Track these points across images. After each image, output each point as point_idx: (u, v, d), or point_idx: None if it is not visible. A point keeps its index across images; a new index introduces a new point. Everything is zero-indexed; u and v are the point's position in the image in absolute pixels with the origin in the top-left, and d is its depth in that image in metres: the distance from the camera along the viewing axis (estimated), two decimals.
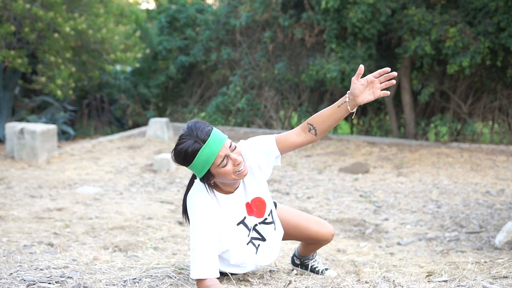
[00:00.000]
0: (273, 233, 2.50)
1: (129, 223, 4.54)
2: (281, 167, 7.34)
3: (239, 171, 2.25)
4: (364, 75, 8.85)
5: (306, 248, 2.88)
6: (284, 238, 2.71)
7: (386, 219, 5.07)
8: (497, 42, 8.32)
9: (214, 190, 2.33)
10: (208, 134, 2.20)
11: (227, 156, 2.22)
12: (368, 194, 5.97)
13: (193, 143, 2.19)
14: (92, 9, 9.93)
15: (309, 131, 2.44)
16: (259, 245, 2.46)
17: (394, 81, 2.34)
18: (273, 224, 2.49)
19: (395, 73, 2.32)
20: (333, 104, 2.41)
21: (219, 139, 2.21)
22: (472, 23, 8.67)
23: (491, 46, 8.32)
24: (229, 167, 2.23)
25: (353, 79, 2.33)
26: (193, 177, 2.44)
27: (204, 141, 2.19)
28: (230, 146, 2.24)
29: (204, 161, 2.20)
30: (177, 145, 2.23)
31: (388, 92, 2.36)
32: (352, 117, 2.59)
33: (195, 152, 2.19)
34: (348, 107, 2.36)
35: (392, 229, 4.76)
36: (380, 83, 2.34)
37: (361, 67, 2.29)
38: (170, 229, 4.46)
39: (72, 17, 9.47)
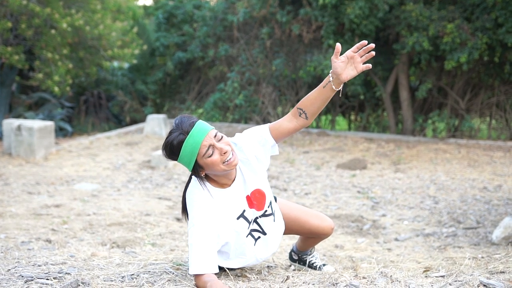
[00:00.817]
0: (273, 225, 2.49)
1: (127, 220, 4.54)
2: (279, 163, 7.35)
3: (227, 161, 2.24)
4: (362, 72, 8.84)
5: (304, 243, 2.88)
6: (285, 233, 2.71)
7: (384, 215, 5.08)
8: (494, 38, 8.33)
9: (209, 184, 2.32)
10: (191, 126, 2.21)
11: (212, 146, 2.21)
12: (365, 190, 5.97)
13: (177, 135, 2.21)
14: (89, 5, 9.90)
15: (299, 115, 2.45)
16: (258, 237, 2.46)
17: (373, 53, 2.34)
18: (272, 216, 2.49)
19: (373, 45, 2.33)
20: (319, 86, 2.41)
21: (202, 129, 2.21)
22: (470, 19, 8.67)
23: (489, 42, 8.33)
24: (216, 156, 2.22)
25: (332, 58, 2.33)
26: (192, 174, 2.44)
27: (187, 132, 2.20)
28: (216, 136, 2.23)
29: (189, 152, 2.21)
30: (165, 139, 2.26)
31: (370, 65, 2.37)
32: (339, 95, 2.61)
33: (180, 144, 2.20)
34: (333, 86, 2.36)
35: (390, 225, 4.77)
36: (360, 57, 2.34)
37: (338, 45, 2.29)
38: (168, 225, 4.46)
39: (69, 13, 9.45)
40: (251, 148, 2.41)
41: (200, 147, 2.19)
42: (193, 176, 2.38)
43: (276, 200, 2.65)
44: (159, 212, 4.90)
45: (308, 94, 2.45)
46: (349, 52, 2.32)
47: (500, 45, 8.50)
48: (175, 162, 7.04)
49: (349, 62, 2.34)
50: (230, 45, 11.27)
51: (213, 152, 2.21)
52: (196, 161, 2.24)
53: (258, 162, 2.44)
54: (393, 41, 9.59)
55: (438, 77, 9.76)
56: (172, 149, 2.23)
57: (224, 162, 2.24)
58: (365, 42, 2.33)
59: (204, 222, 2.22)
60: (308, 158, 7.69)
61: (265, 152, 2.45)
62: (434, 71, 9.67)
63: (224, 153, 2.22)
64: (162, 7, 12.32)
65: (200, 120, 2.26)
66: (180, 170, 6.75)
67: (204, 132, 2.21)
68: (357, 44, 2.33)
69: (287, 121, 2.48)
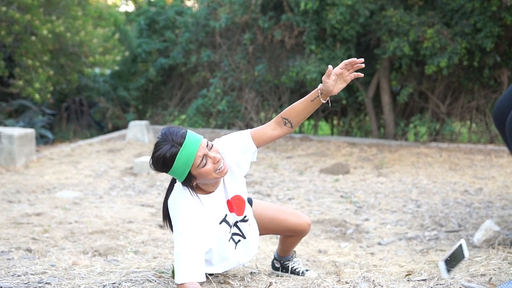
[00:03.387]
0: (250, 229, 2.51)
1: (109, 227, 4.50)
2: (262, 169, 7.35)
3: (219, 169, 2.25)
4: None
5: (284, 244, 2.88)
6: (263, 233, 2.72)
7: (367, 219, 5.10)
8: (473, 43, 8.42)
9: (194, 192, 2.32)
10: (183, 137, 2.20)
11: (205, 155, 2.22)
12: (348, 194, 5.99)
13: (170, 148, 2.18)
14: (70, 12, 9.85)
15: (284, 124, 2.48)
16: (239, 240, 2.47)
17: (363, 65, 2.41)
18: (249, 221, 2.51)
19: (362, 60, 2.40)
20: (306, 98, 2.45)
21: (195, 140, 2.21)
22: (449, 24, 8.77)
23: (468, 46, 8.42)
24: (209, 166, 2.22)
25: (324, 78, 2.37)
26: (173, 181, 2.43)
27: (180, 144, 2.19)
28: (207, 145, 2.24)
29: (183, 164, 2.19)
30: (154, 152, 2.22)
31: (361, 74, 2.43)
32: (329, 105, 2.68)
33: (173, 156, 2.18)
34: (322, 100, 2.42)
35: (373, 229, 4.79)
36: (348, 70, 2.42)
37: (330, 68, 2.34)
38: (150, 233, 4.43)
39: (50, 20, 9.39)
40: (232, 154, 2.41)
41: (195, 158, 2.19)
42: (176, 184, 2.37)
43: (252, 202, 2.66)
44: (142, 219, 4.87)
45: (294, 105, 2.47)
46: (338, 70, 2.39)
47: (479, 49, 8.60)
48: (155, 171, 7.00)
49: (338, 77, 2.40)
50: (213, 51, 11.26)
51: (206, 161, 2.22)
52: (189, 172, 2.23)
53: (238, 168, 2.44)
54: (374, 46, 9.65)
55: (419, 81, 9.85)
56: (164, 162, 2.21)
57: (216, 171, 2.24)
58: (355, 60, 2.37)
59: (191, 230, 2.21)
60: (291, 163, 7.70)
61: (246, 158, 2.46)
62: (415, 76, 9.75)
63: (217, 162, 2.23)
64: (144, 13, 12.28)
65: (189, 130, 2.25)
66: (163, 176, 6.72)
67: (197, 143, 2.21)
68: (346, 61, 2.38)
69: (271, 129, 2.49)
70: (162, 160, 2.20)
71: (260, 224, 2.64)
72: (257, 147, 2.47)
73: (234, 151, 2.42)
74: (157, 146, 2.22)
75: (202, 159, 2.21)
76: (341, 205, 5.59)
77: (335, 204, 5.61)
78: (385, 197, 5.89)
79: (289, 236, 2.82)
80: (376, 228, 4.82)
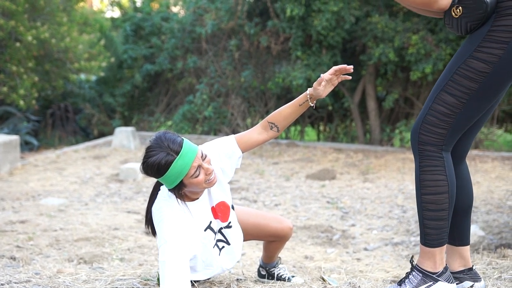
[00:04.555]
0: (234, 235, 2.51)
1: (94, 234, 4.48)
2: (248, 175, 7.34)
3: (209, 180, 2.26)
4: None
5: (268, 250, 2.88)
6: (246, 239, 2.72)
7: (353, 225, 5.12)
8: (457, 49, 8.49)
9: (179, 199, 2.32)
10: (180, 145, 2.20)
11: (199, 166, 2.22)
12: (335, 200, 6.01)
13: (166, 155, 2.18)
14: (55, 18, 9.78)
15: (271, 129, 2.50)
16: (223, 247, 2.47)
17: (351, 70, 2.46)
18: (233, 227, 2.51)
19: (351, 67, 2.45)
20: (294, 103, 2.48)
21: (191, 150, 2.21)
22: (434, 30, 8.84)
23: (452, 53, 8.49)
24: (201, 176, 2.23)
25: (315, 85, 2.41)
26: (156, 187, 2.42)
27: (177, 153, 2.18)
28: (202, 156, 2.24)
29: (177, 173, 2.19)
30: (148, 157, 2.21)
31: (349, 77, 2.49)
32: (313, 108, 2.72)
33: (168, 164, 2.18)
34: (310, 104, 2.47)
35: (359, 235, 4.80)
36: (337, 76, 2.48)
37: (322, 76, 2.38)
38: (136, 240, 4.41)
39: (34, 26, 9.33)
40: (218, 161, 2.42)
41: (190, 168, 2.19)
42: (160, 191, 2.36)
43: (233, 209, 2.66)
44: (128, 226, 4.85)
45: (281, 110, 2.49)
46: (327, 76, 2.44)
47: None
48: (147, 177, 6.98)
49: (327, 83, 2.47)
50: (199, 57, 11.26)
51: (199, 172, 2.22)
52: (181, 180, 2.23)
53: (223, 174, 2.44)
54: (360, 53, 9.70)
55: (404, 87, 9.91)
56: (159, 169, 2.20)
57: (206, 181, 2.25)
58: (345, 66, 2.41)
59: (177, 238, 2.20)
60: (277, 169, 7.71)
61: (231, 164, 2.46)
62: (400, 82, 9.81)
63: (209, 173, 2.24)
64: (129, 19, 12.24)
65: (185, 139, 2.25)
66: (149, 183, 6.69)
67: (193, 153, 2.21)
68: (336, 68, 2.43)
69: (257, 134, 2.50)
70: (157, 167, 2.19)
71: (243, 230, 2.64)
72: (243, 152, 2.48)
73: (219, 157, 2.43)
74: (151, 151, 2.21)
75: (196, 170, 2.21)
76: (327, 210, 5.60)
77: (322, 210, 5.62)
78: (371, 203, 5.91)
79: (272, 242, 2.82)
80: (362, 234, 4.84)
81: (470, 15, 2.10)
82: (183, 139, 2.23)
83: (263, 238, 2.79)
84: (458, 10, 2.13)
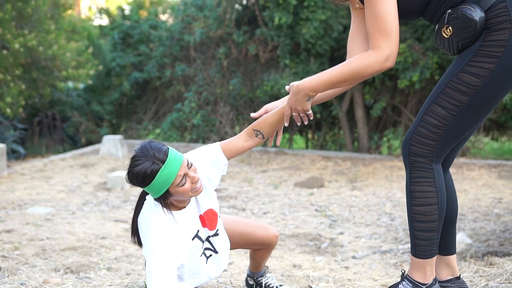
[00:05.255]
0: (221, 243, 2.50)
1: (81, 244, 4.44)
2: (237, 183, 7.33)
3: (195, 188, 2.25)
4: None
5: (254, 259, 2.87)
6: (232, 247, 2.70)
7: (341, 233, 5.12)
8: (444, 58, 8.56)
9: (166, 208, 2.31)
10: (166, 154, 2.19)
11: (185, 175, 2.21)
12: (323, 208, 6.01)
13: (151, 164, 2.16)
14: (42, 26, 9.75)
15: (256, 136, 2.49)
16: (210, 255, 2.46)
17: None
18: (220, 234, 2.50)
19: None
20: (279, 111, 2.45)
21: (177, 159, 2.20)
22: (421, 39, 8.90)
23: (439, 61, 8.56)
24: (188, 185, 2.22)
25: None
26: (142, 196, 2.40)
27: (163, 162, 2.17)
28: (188, 164, 2.23)
29: (163, 182, 2.18)
30: (133, 166, 2.19)
31: None
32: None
33: (154, 173, 2.17)
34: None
35: (347, 243, 4.80)
36: None
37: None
38: (124, 249, 4.38)
39: (22, 33, 9.28)
40: (203, 168, 2.41)
41: (175, 177, 2.18)
42: (146, 201, 2.35)
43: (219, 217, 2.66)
44: (115, 235, 4.82)
45: (266, 117, 2.48)
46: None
47: (450, 64, 8.73)
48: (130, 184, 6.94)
49: None
50: (187, 65, 11.25)
51: (185, 181, 2.21)
52: (167, 189, 2.22)
53: (209, 182, 2.44)
54: None
55: (392, 95, 9.96)
56: (144, 179, 2.18)
57: (192, 190, 2.24)
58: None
59: (164, 248, 2.19)
60: (266, 177, 7.70)
61: (217, 171, 2.46)
62: (388, 90, 9.86)
63: (195, 182, 2.23)
64: (118, 27, 12.23)
65: (171, 148, 2.24)
66: (137, 191, 6.66)
67: (179, 162, 2.19)
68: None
69: (242, 141, 2.50)
70: (142, 176, 2.18)
71: (229, 238, 2.63)
72: (228, 159, 2.48)
73: (205, 165, 2.42)
74: (136, 160, 2.19)
75: (182, 178, 2.20)
76: (315, 219, 5.60)
77: (310, 218, 5.62)
78: (359, 211, 5.92)
79: (258, 250, 2.81)
80: (351, 242, 4.84)
81: (460, 34, 2.12)
82: (168, 148, 2.22)
83: (249, 246, 2.78)
84: (448, 30, 2.15)
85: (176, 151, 2.25)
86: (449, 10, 2.15)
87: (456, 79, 2.14)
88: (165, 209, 2.28)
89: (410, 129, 2.26)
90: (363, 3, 2.36)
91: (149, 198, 2.34)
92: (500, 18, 2.06)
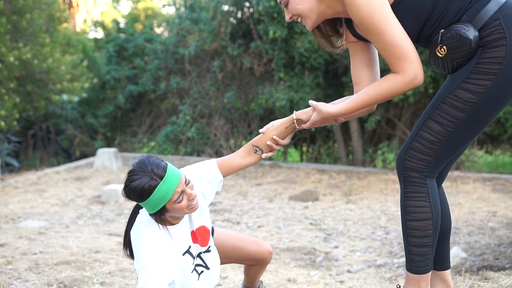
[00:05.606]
0: (213, 259, 2.49)
1: (75, 258, 4.42)
2: (231, 196, 7.32)
3: (192, 205, 2.25)
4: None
5: (249, 275, 2.86)
6: (224, 262, 2.69)
7: (336, 247, 5.11)
8: (438, 72, 8.60)
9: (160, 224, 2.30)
10: (164, 170, 2.18)
11: (183, 192, 2.20)
12: (318, 222, 6.00)
13: (149, 180, 2.15)
14: (37, 39, 9.75)
15: (255, 152, 2.49)
16: (202, 271, 2.45)
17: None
18: (212, 251, 2.50)
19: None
20: (280, 126, 2.46)
21: (175, 175, 2.19)
22: None
23: (433, 75, 8.60)
24: (184, 202, 2.21)
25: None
26: (136, 211, 2.40)
27: (161, 178, 2.16)
28: (185, 181, 2.23)
29: (160, 198, 2.17)
30: (130, 181, 2.18)
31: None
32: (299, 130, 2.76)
33: (152, 189, 2.16)
34: (297, 126, 2.46)
35: (342, 257, 4.79)
36: None
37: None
38: (118, 263, 4.36)
39: (17, 46, 9.28)
40: (198, 185, 2.41)
41: (173, 193, 2.17)
42: (139, 215, 2.34)
43: (213, 231, 2.64)
44: (109, 249, 4.79)
45: (267, 133, 2.49)
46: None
47: (444, 78, 8.78)
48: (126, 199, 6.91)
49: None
50: (182, 78, 11.27)
51: (183, 198, 2.20)
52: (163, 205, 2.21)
53: (203, 198, 2.43)
54: (342, 74, 9.79)
55: (386, 109, 9.99)
56: (142, 194, 2.17)
57: (188, 207, 2.24)
58: None
59: (156, 263, 2.18)
60: (260, 191, 7.69)
61: (211, 188, 2.45)
62: (382, 103, 9.89)
63: (192, 199, 2.22)
64: (113, 40, 12.26)
65: (169, 164, 2.23)
66: (131, 205, 6.63)
67: (177, 178, 2.19)
68: None
69: (240, 158, 2.50)
70: (140, 192, 2.17)
71: (222, 253, 2.61)
72: (224, 176, 2.47)
73: (200, 181, 2.42)
74: (134, 175, 2.18)
75: (180, 195, 2.20)
76: (310, 232, 5.59)
77: (305, 232, 5.61)
78: (354, 224, 5.91)
79: (252, 265, 2.80)
80: (346, 256, 4.83)
81: (455, 53, 2.13)
82: (167, 164, 2.22)
83: (242, 261, 2.77)
84: (442, 49, 2.17)
85: (174, 167, 2.25)
86: (443, 30, 2.16)
87: (452, 96, 2.15)
88: (160, 225, 2.27)
89: (405, 144, 2.27)
90: (357, 37, 2.38)
91: (143, 212, 2.33)
92: (495, 36, 2.08)
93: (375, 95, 2.22)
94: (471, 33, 2.09)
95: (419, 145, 2.21)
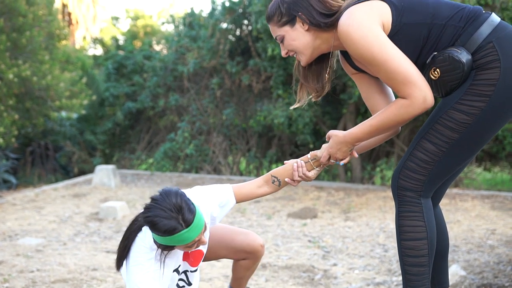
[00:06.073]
0: (196, 277, 2.49)
1: (72, 275, 4.39)
2: (230, 213, 7.30)
3: (198, 247, 2.27)
4: (311, 121, 9.01)
5: (236, 271, 2.76)
6: (211, 257, 2.65)
7: (335, 264, 5.09)
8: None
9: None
10: (193, 218, 2.16)
11: (199, 240, 2.21)
12: (316, 239, 5.98)
13: (175, 224, 2.13)
14: (37, 56, 9.79)
15: (272, 182, 2.50)
16: (183, 286, 2.45)
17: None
18: (197, 270, 2.51)
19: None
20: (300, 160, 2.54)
21: (200, 225, 2.19)
22: None
23: None
24: (195, 246, 2.23)
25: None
26: (137, 229, 2.39)
27: (187, 225, 2.15)
28: (204, 228, 2.24)
29: (177, 241, 2.18)
30: (157, 215, 2.14)
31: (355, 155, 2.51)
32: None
33: (174, 233, 2.15)
34: (313, 165, 2.53)
35: (341, 275, 4.77)
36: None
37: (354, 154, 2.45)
38: (115, 281, 4.34)
39: (16, 64, 9.31)
40: (209, 207, 2.40)
41: (191, 241, 2.18)
42: (142, 234, 2.32)
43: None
44: (107, 267, 4.77)
45: (286, 166, 2.56)
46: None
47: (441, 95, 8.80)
48: (125, 213, 6.91)
49: None
50: (181, 95, 11.30)
51: (196, 244, 2.22)
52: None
53: (210, 221, 2.43)
54: (340, 91, 9.81)
55: None
56: (162, 232, 2.15)
57: (195, 248, 2.26)
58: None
59: (148, 285, 2.19)
60: (259, 208, 7.68)
61: (221, 213, 2.46)
62: None
63: (202, 243, 2.24)
64: (112, 57, 12.30)
65: (198, 209, 2.21)
66: (129, 222, 6.61)
67: (200, 229, 2.19)
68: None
69: (257, 187, 2.52)
70: (162, 231, 2.14)
71: (209, 247, 2.57)
72: (237, 202, 2.49)
73: (212, 204, 2.41)
74: (164, 211, 2.14)
75: (195, 243, 2.20)
76: (309, 250, 5.57)
77: (303, 249, 5.59)
78: (353, 242, 5.89)
79: (242, 261, 2.71)
80: (344, 274, 4.81)
81: (448, 76, 2.14)
82: (196, 209, 2.19)
83: (230, 255, 2.69)
84: (436, 72, 2.18)
85: (201, 212, 2.23)
86: (435, 53, 2.18)
87: (446, 116, 2.17)
88: (161, 255, 2.27)
89: (400, 163, 2.28)
90: (356, 69, 2.40)
91: (145, 234, 2.31)
92: (489, 58, 2.10)
93: (385, 118, 2.22)
94: (464, 56, 2.10)
95: (413, 165, 2.22)
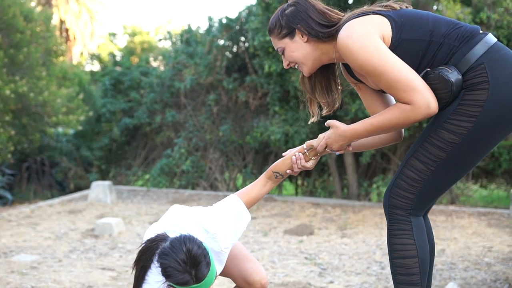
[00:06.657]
0: None
1: None
2: None
3: None
4: (308, 137, 9.02)
5: None
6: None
7: (331, 282, 5.07)
8: None
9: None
10: (206, 274, 2.16)
11: None
12: (313, 256, 5.96)
13: (188, 278, 2.14)
14: (34, 72, 9.81)
15: (275, 178, 2.57)
16: None
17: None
18: None
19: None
20: (294, 152, 2.57)
21: (209, 281, 2.18)
22: None
23: None
24: None
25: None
26: (146, 267, 2.36)
27: (199, 281, 2.15)
28: (214, 281, 2.25)
29: None
30: (172, 266, 2.15)
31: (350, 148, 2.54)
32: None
33: (184, 285, 2.15)
34: (308, 156, 2.58)
35: None
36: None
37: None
38: None
39: (13, 80, 9.33)
40: (230, 240, 2.42)
41: None
42: (152, 273, 2.32)
43: None
44: (102, 284, 4.74)
45: (284, 159, 2.61)
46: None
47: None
48: (120, 230, 6.88)
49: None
50: (177, 111, 11.32)
51: None
52: None
53: (228, 251, 2.43)
54: (337, 108, 9.83)
55: None
56: (173, 282, 2.16)
57: None
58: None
59: None
60: (255, 224, 7.66)
61: (238, 231, 2.49)
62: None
63: None
64: (109, 73, 12.34)
65: (212, 261, 2.21)
66: (125, 238, 6.58)
67: (209, 283, 2.18)
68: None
69: (263, 186, 2.58)
70: (173, 281, 2.15)
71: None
72: (248, 208, 2.57)
73: (233, 238, 2.45)
74: (180, 264, 2.14)
75: None
76: (305, 267, 5.55)
77: (300, 266, 5.56)
78: (349, 259, 5.88)
79: None
80: None
81: (437, 94, 2.16)
82: (210, 266, 2.19)
83: (234, 275, 2.72)
84: None
85: (214, 264, 2.23)
86: (428, 69, 2.20)
87: (435, 135, 2.19)
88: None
89: (391, 182, 2.30)
90: (357, 80, 2.43)
91: (156, 274, 2.30)
92: (478, 79, 2.12)
93: (385, 119, 2.21)
94: (454, 76, 2.12)
95: (402, 183, 2.24)
